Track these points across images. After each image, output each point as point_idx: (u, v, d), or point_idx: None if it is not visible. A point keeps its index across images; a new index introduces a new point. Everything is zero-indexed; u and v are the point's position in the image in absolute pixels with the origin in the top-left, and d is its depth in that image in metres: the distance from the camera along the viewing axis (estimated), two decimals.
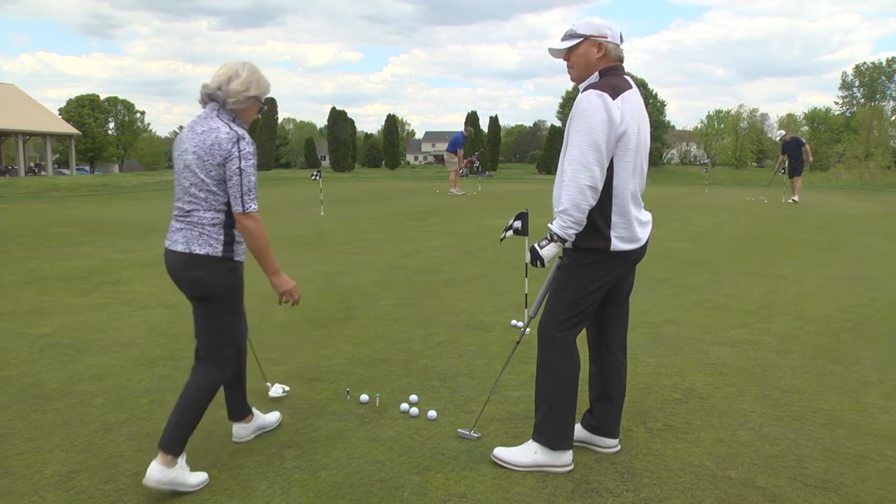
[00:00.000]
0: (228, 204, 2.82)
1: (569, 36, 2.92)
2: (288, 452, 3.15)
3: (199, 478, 2.84)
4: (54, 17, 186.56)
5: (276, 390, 3.81)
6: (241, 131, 2.84)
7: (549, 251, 2.85)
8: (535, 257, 2.86)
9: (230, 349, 2.99)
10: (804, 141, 18.53)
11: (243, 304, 3.09)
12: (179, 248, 2.85)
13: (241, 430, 3.30)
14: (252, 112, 2.96)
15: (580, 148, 2.74)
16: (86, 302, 6.05)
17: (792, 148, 18.09)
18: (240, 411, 3.28)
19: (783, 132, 20.01)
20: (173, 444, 2.79)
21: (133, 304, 5.99)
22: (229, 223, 2.85)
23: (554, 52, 2.97)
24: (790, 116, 73.25)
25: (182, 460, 2.82)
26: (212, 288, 2.86)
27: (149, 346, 4.76)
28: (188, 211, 2.84)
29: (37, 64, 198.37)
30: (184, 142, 2.87)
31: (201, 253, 2.82)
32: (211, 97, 2.88)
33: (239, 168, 2.77)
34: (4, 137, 41.93)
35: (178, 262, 2.86)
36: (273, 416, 3.46)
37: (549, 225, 2.84)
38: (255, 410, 3.36)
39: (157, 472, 2.74)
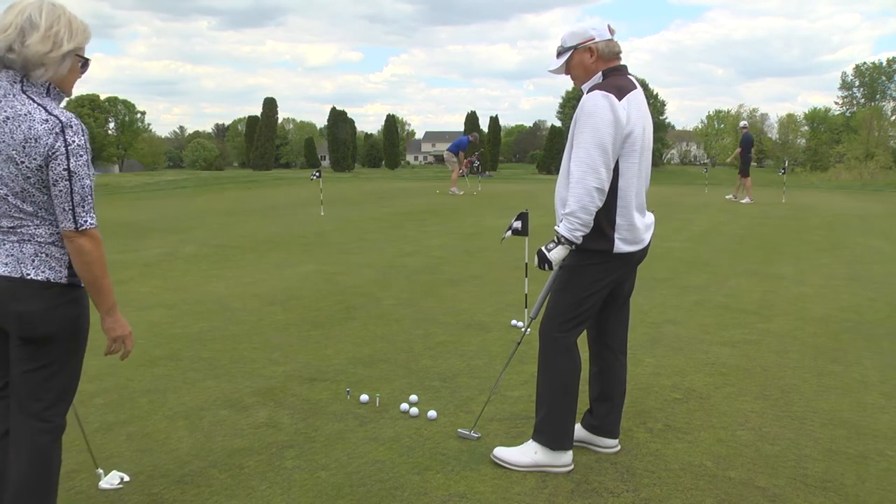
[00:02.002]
0: None
1: (560, 52, 2.96)
2: (288, 452, 3.15)
3: None
4: None
5: (112, 478, 2.88)
6: (66, 115, 2.02)
7: (556, 254, 2.83)
8: (543, 261, 2.85)
9: (66, 409, 2.24)
10: (748, 141, 18.11)
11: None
12: (2, 270, 2.04)
13: None
14: (72, 76, 2.10)
15: (587, 149, 2.73)
16: None
17: (746, 143, 17.85)
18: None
19: (745, 123, 19.93)
20: None
21: (133, 304, 5.98)
22: None
23: (554, 72, 3.01)
24: (790, 116, 73.19)
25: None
26: (51, 325, 2.08)
27: (149, 346, 4.76)
28: (13, 227, 2.04)
29: None
30: None
31: (39, 278, 2.04)
32: (1, 62, 2.00)
33: (67, 170, 1.98)
34: None
35: (1, 289, 2.04)
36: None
37: (556, 227, 2.84)
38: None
39: None
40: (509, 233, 4.34)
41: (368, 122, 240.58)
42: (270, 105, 54.08)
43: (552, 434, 2.95)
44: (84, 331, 2.19)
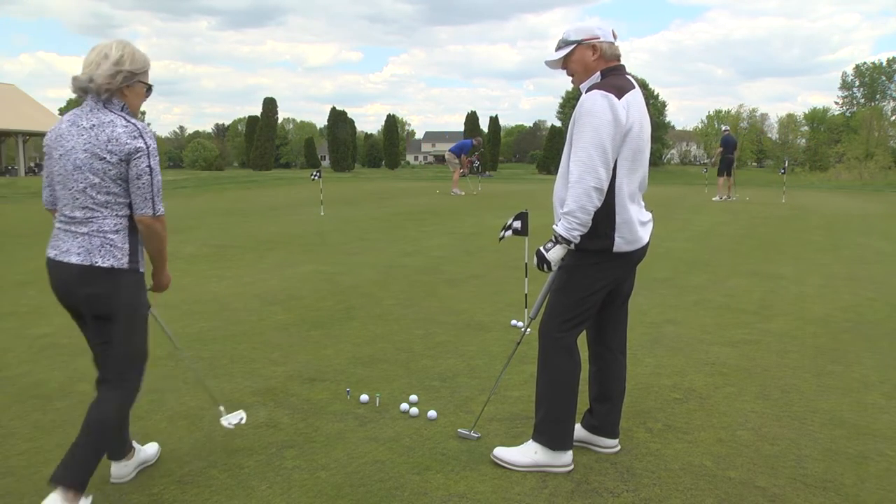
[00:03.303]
0: (130, 207, 2.54)
1: (561, 45, 2.93)
2: (288, 452, 3.15)
3: None
4: (54, 17, 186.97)
5: (234, 417, 3.15)
6: (141, 124, 2.53)
7: (554, 254, 2.83)
8: (542, 261, 2.84)
9: (141, 368, 2.71)
10: (728, 143, 18.46)
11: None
12: (74, 259, 2.49)
13: (121, 470, 2.86)
14: (137, 96, 2.60)
15: (587, 149, 2.72)
16: None
17: (726, 145, 18.23)
18: (119, 449, 2.82)
19: (727, 127, 20.12)
20: (79, 477, 2.46)
21: None
22: (133, 229, 2.57)
23: (550, 64, 2.98)
24: (790, 116, 73.35)
25: (87, 501, 2.53)
26: (116, 305, 2.54)
27: (149, 345, 4.75)
28: (86, 218, 2.51)
29: (37, 64, 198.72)
30: (66, 139, 2.51)
31: (105, 265, 2.49)
32: (85, 91, 2.51)
33: (148, 166, 2.49)
34: (4, 137, 41.92)
35: (73, 275, 2.50)
36: (152, 448, 3.05)
37: (554, 227, 2.83)
38: (135, 444, 2.94)
39: None
40: (508, 232, 4.33)
41: (368, 122, 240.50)
42: (270, 105, 54.07)
43: (552, 434, 2.95)
44: (143, 306, 2.68)
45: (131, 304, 2.59)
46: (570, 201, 2.74)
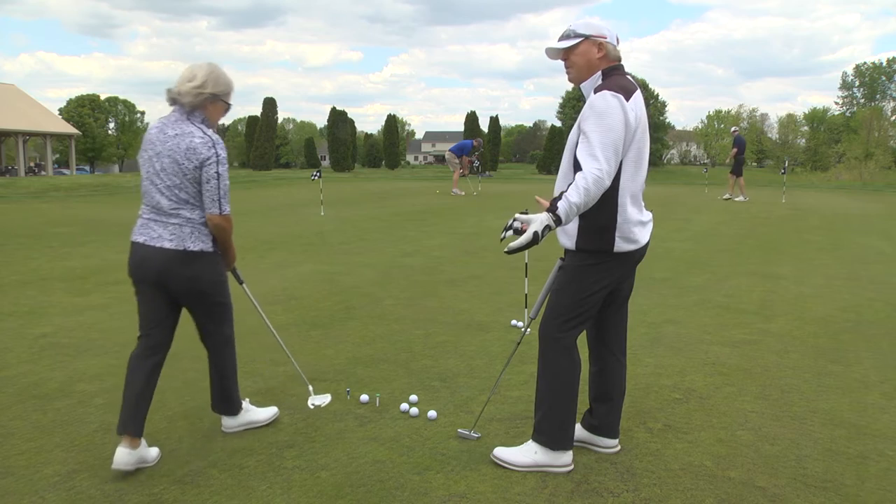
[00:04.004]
0: None
1: (567, 36, 2.90)
2: (288, 452, 3.15)
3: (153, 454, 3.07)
4: (54, 17, 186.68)
5: (321, 399, 3.69)
6: (216, 136, 2.96)
7: (535, 227, 2.69)
8: (532, 241, 2.70)
9: (229, 326, 3.28)
10: (742, 143, 18.48)
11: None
12: (168, 244, 2.94)
13: (229, 422, 3.37)
14: (217, 112, 3.05)
15: (599, 146, 2.67)
16: (86, 302, 6.05)
17: (739, 145, 18.24)
18: (225, 406, 3.34)
19: (735, 128, 20.15)
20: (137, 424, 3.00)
21: (133, 304, 5.97)
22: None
23: (552, 52, 2.94)
24: (790, 116, 73.24)
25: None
26: (207, 282, 3.05)
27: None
28: (174, 209, 2.94)
29: (36, 64, 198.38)
30: (155, 144, 2.95)
31: (195, 249, 2.96)
32: (174, 101, 2.98)
33: (217, 173, 2.92)
34: (4, 137, 41.93)
35: (168, 258, 2.94)
36: (266, 413, 3.46)
37: (554, 208, 2.69)
38: (246, 405, 3.41)
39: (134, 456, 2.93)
40: (509, 232, 4.33)
41: (368, 122, 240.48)
42: (270, 105, 54.03)
43: (552, 434, 2.95)
44: (227, 281, 3.20)
45: (218, 281, 3.11)
46: (575, 193, 2.65)
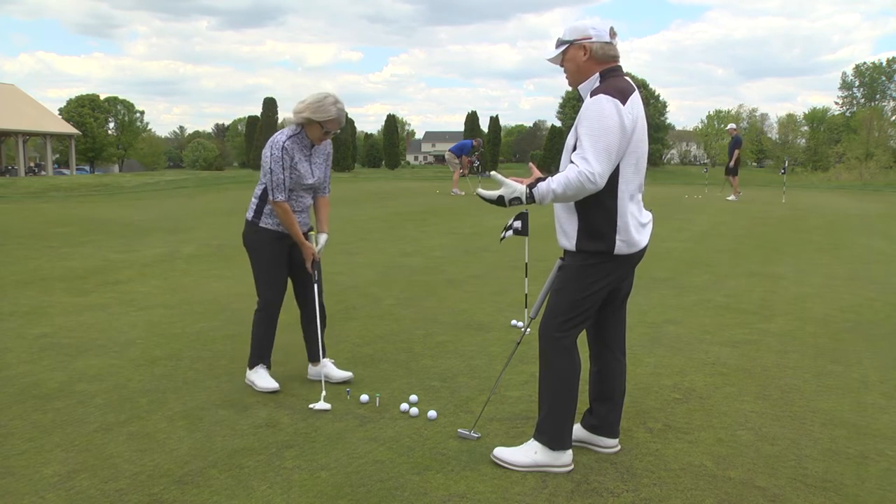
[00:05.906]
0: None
1: (558, 44, 2.96)
2: (288, 452, 3.15)
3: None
4: (54, 17, 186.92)
5: (321, 406, 3.67)
6: (275, 143, 3.73)
7: (498, 193, 2.87)
8: (496, 202, 2.88)
9: (261, 290, 4.12)
10: (741, 142, 18.52)
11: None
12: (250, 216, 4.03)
13: (310, 369, 4.11)
14: (313, 131, 3.78)
15: (594, 152, 2.69)
16: (86, 302, 6.05)
17: (740, 143, 18.29)
18: (311, 355, 4.12)
19: (733, 126, 20.10)
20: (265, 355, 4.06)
21: (133, 304, 5.99)
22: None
23: (552, 61, 3.00)
24: (790, 116, 73.22)
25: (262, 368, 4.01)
26: (246, 243, 4.17)
27: (149, 346, 4.76)
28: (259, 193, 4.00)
29: (37, 64, 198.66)
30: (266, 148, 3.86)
31: (249, 219, 4.07)
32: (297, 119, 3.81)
33: (270, 169, 3.73)
34: (4, 137, 41.92)
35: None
36: (341, 374, 4.04)
37: (540, 184, 2.78)
38: (325, 361, 4.07)
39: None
40: (509, 233, 4.34)
41: (368, 122, 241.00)
42: (270, 105, 54.07)
43: (552, 434, 2.96)
44: (262, 250, 4.05)
45: (255, 243, 4.09)
46: (562, 185, 2.71)
